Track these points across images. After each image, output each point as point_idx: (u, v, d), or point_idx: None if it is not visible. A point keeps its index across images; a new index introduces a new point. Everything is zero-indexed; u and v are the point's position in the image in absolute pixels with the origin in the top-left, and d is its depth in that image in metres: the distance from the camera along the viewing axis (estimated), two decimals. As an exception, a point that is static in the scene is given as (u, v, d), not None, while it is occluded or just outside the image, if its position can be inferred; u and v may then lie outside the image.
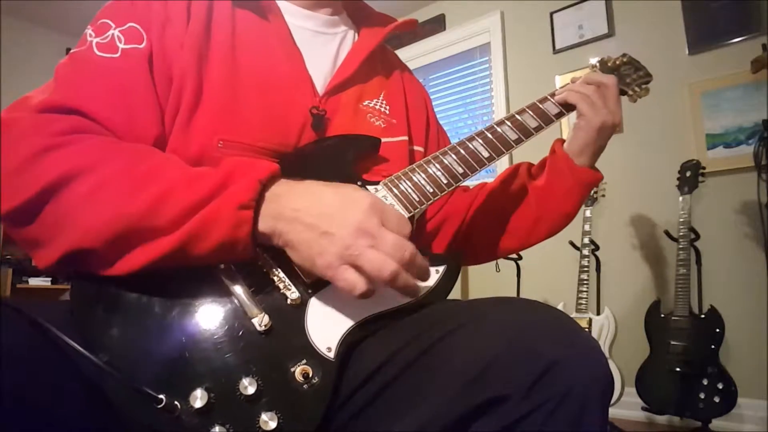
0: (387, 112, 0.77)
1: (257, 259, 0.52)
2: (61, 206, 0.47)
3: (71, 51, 0.60)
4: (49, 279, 3.10)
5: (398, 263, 0.46)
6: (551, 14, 2.70)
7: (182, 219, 0.47)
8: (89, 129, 0.53)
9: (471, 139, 0.71)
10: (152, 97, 0.59)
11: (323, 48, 0.75)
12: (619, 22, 2.50)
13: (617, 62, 0.89)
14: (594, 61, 0.89)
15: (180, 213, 0.47)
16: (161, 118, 0.59)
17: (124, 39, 0.59)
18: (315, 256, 0.47)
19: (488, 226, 0.83)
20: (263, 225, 0.49)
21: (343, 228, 0.47)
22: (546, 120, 0.75)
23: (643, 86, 0.89)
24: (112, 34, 0.59)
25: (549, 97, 0.78)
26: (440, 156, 0.68)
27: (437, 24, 3.22)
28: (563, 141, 0.80)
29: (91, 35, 0.59)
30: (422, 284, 0.57)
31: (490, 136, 0.71)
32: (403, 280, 0.47)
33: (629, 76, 0.88)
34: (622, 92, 0.87)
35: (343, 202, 0.49)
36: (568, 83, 0.80)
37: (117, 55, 0.58)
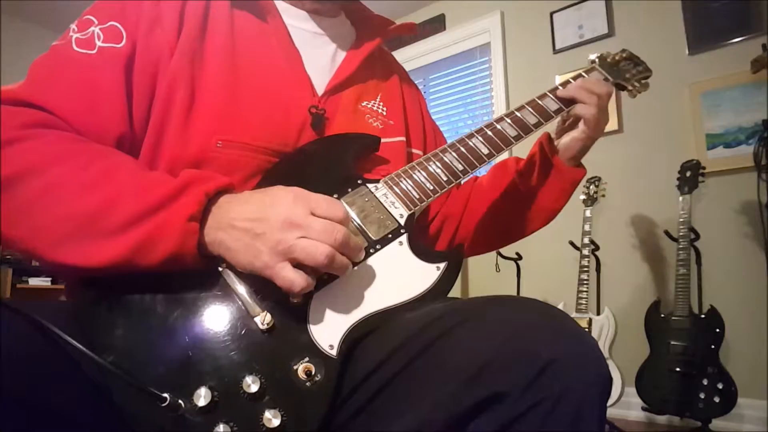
0: (384, 113, 0.77)
1: (207, 269, 0.51)
2: (14, 202, 0.48)
3: (53, 44, 0.60)
4: (49, 279, 3.09)
5: (331, 246, 0.48)
6: (551, 14, 2.70)
7: (130, 225, 0.47)
8: (51, 123, 0.53)
9: (470, 136, 0.71)
10: (120, 97, 0.58)
11: (321, 49, 0.76)
12: (619, 22, 2.50)
13: (617, 58, 0.89)
14: (593, 56, 0.88)
15: (128, 219, 0.47)
16: (128, 118, 0.59)
17: (103, 37, 0.59)
18: (252, 260, 0.48)
19: (482, 224, 0.84)
20: (206, 236, 0.49)
21: (270, 226, 0.48)
22: (545, 116, 0.76)
23: (643, 81, 0.90)
24: (93, 31, 0.59)
25: (548, 93, 0.78)
26: (440, 153, 0.68)
27: (437, 24, 3.21)
28: (549, 136, 0.82)
29: (74, 30, 0.60)
30: (423, 282, 0.57)
31: (489, 132, 0.72)
32: (339, 261, 0.49)
33: (629, 71, 0.89)
34: (622, 87, 0.87)
35: (269, 203, 0.50)
36: (570, 83, 0.80)
37: (93, 51, 0.58)
